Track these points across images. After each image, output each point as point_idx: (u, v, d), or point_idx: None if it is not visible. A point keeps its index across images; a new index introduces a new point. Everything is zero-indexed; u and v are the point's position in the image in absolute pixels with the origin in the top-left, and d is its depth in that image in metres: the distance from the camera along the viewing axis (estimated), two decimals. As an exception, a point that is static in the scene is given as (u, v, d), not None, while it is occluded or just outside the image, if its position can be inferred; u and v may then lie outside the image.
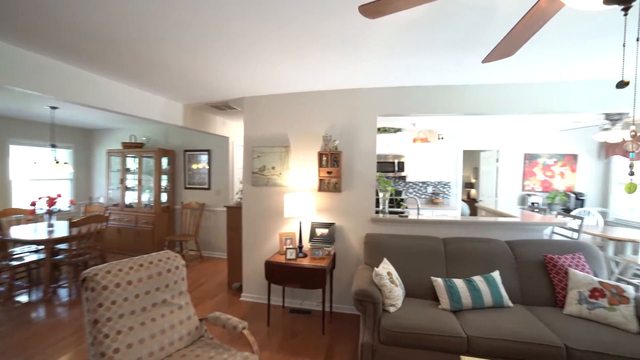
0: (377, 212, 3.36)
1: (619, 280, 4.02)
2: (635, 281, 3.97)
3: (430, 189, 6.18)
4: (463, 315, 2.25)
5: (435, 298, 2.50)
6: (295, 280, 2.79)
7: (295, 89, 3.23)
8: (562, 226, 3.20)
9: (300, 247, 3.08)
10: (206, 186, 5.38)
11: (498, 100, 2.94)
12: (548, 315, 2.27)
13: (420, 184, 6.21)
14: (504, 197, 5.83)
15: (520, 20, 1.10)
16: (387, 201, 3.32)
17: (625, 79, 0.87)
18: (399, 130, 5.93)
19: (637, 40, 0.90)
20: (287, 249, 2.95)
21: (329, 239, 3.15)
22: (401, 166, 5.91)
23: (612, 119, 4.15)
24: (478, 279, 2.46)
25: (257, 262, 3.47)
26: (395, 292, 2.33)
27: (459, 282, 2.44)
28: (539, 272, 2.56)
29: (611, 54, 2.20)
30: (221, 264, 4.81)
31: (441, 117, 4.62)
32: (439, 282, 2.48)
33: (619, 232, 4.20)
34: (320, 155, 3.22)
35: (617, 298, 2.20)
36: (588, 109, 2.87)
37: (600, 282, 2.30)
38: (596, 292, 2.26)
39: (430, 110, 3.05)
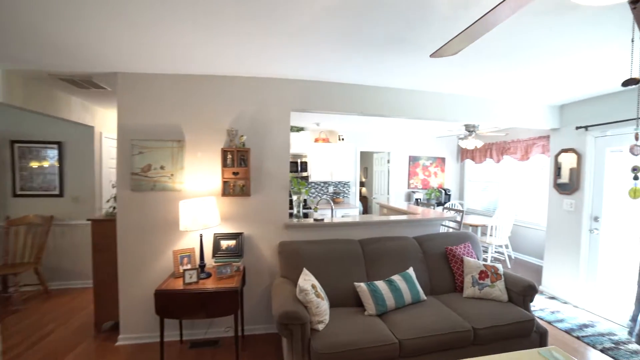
0: (290, 217, 3.09)
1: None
2: (483, 256, 5.05)
3: (331, 189, 6.34)
4: (389, 317, 2.23)
5: (359, 304, 2.41)
6: (199, 309, 2.22)
7: (195, 70, 2.61)
8: (451, 220, 3.69)
9: (203, 265, 2.51)
10: (56, 192, 3.92)
11: (408, 105, 3.12)
12: (453, 301, 2.50)
13: (322, 184, 6.30)
14: (394, 194, 6.53)
15: (483, 16, 1.02)
16: (301, 204, 3.09)
17: (637, 77, 0.88)
18: (301, 129, 5.84)
19: (632, 41, 0.95)
20: (185, 270, 2.33)
21: (237, 252, 2.69)
22: (304, 166, 5.85)
23: (469, 130, 5.13)
24: (397, 278, 2.50)
25: (141, 290, 2.66)
26: (323, 307, 2.11)
27: (381, 285, 2.42)
28: (442, 263, 2.81)
29: (485, 76, 2.59)
30: (83, 298, 3.57)
31: (348, 117, 4.74)
32: (362, 287, 2.40)
33: (471, 219, 5.28)
34: (225, 152, 2.72)
35: (495, 276, 2.61)
36: (471, 119, 3.37)
37: (484, 265, 2.69)
38: (483, 274, 2.63)
39: (345, 109, 2.98)
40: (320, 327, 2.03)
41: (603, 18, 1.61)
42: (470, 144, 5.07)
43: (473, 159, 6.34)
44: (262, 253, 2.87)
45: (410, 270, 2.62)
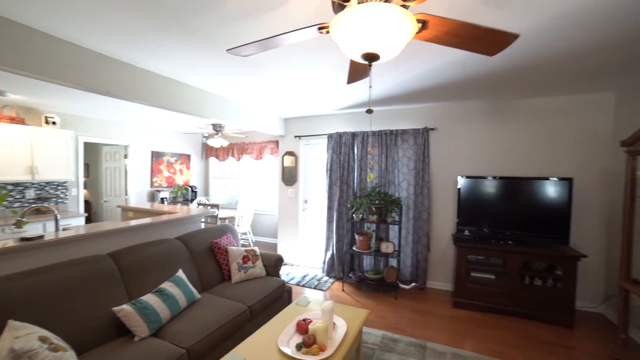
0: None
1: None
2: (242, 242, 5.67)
3: (33, 193, 4.39)
4: (167, 331, 1.99)
5: (123, 331, 1.95)
6: None
7: None
8: (210, 215, 3.78)
9: None
10: None
11: (170, 95, 2.84)
12: (225, 290, 2.65)
13: (14, 186, 4.21)
14: (135, 194, 5.59)
15: (285, 33, 1.23)
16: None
17: (372, 108, 1.34)
18: (-37, 99, 3.55)
19: (370, 87, 1.41)
20: None
21: None
22: (-28, 160, 3.62)
23: (217, 129, 5.50)
24: (168, 285, 2.27)
25: None
26: None
27: (151, 298, 2.10)
28: (209, 258, 2.87)
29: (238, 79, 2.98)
30: None
31: (69, 94, 3.48)
32: (126, 309, 1.95)
33: (221, 213, 5.75)
34: None
35: (254, 257, 3.08)
36: (227, 119, 3.63)
37: (246, 250, 3.08)
38: (246, 258, 3.01)
39: (80, 82, 2.21)
40: (73, 385, 1.45)
41: (317, 66, 2.40)
42: (217, 142, 5.43)
43: (217, 157, 6.80)
44: None
45: (180, 273, 2.47)
